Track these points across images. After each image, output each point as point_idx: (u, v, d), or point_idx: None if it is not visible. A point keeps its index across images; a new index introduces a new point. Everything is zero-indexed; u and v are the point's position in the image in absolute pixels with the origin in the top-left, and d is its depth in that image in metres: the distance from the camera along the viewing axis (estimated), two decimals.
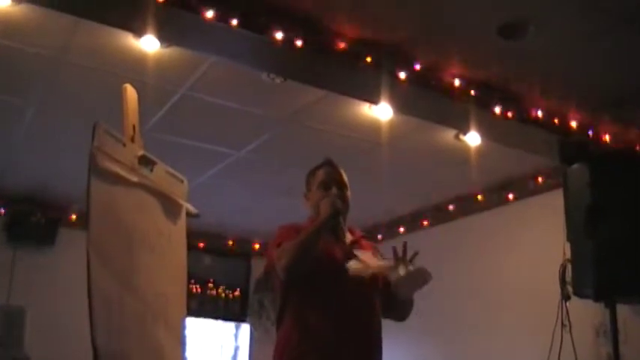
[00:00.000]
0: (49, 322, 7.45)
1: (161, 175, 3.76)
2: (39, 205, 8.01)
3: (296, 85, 5.01)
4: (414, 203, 7.99)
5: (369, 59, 4.54)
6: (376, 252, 3.51)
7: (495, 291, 6.92)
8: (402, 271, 3.16)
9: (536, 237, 6.61)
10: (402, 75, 4.70)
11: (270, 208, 7.87)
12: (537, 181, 6.79)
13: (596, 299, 4.30)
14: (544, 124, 5.39)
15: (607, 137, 5.70)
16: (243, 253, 9.77)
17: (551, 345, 4.76)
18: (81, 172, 3.18)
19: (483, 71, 4.94)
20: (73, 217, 8.12)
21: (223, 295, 9.64)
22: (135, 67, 4.81)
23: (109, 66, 4.92)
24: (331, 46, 4.44)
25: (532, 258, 6.57)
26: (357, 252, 3.35)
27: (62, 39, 4.63)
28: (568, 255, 4.59)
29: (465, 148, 6.10)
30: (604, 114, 5.47)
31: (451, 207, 7.76)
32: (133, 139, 3.52)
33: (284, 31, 4.24)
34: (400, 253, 3.21)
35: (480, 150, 6.08)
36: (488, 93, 5.10)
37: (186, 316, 3.88)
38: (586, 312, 5.05)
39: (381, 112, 5.35)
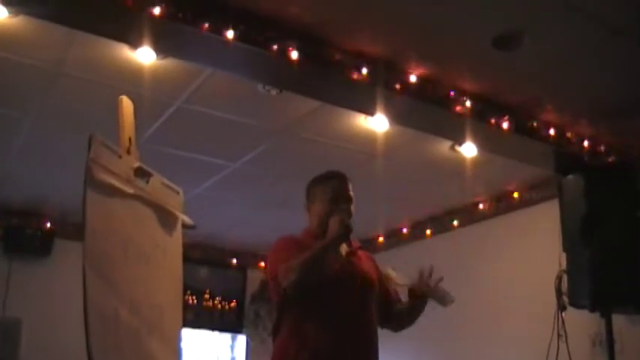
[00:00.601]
0: (44, 333, 7.44)
1: (157, 186, 3.75)
2: (35, 217, 8.01)
3: (292, 97, 5.02)
4: (409, 215, 7.99)
5: (364, 71, 4.55)
6: (374, 263, 3.52)
7: (491, 301, 6.92)
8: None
9: (531, 247, 6.62)
10: (398, 86, 4.71)
11: (266, 220, 7.87)
12: (533, 191, 6.80)
13: (592, 309, 4.30)
14: (539, 135, 5.40)
15: (602, 148, 5.71)
16: (239, 264, 9.76)
17: (547, 355, 4.76)
18: (77, 183, 3.17)
19: (479, 82, 4.95)
20: (69, 228, 8.10)
21: (219, 306, 9.62)
22: (131, 78, 4.81)
23: (105, 78, 4.93)
24: (327, 57, 4.45)
25: (528, 268, 6.57)
26: (389, 270, 3.41)
27: (59, 51, 4.64)
28: (564, 265, 4.60)
29: (461, 159, 6.11)
30: (599, 125, 5.49)
31: (447, 218, 7.77)
32: (129, 151, 3.51)
33: (280, 42, 4.25)
34: (427, 275, 3.39)
35: (475, 161, 6.09)
36: (484, 104, 5.11)
37: (182, 328, 3.88)
38: (582, 322, 5.05)
39: (377, 123, 5.36)
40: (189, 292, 9.03)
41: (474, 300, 7.01)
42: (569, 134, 5.54)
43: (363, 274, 3.39)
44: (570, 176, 4.58)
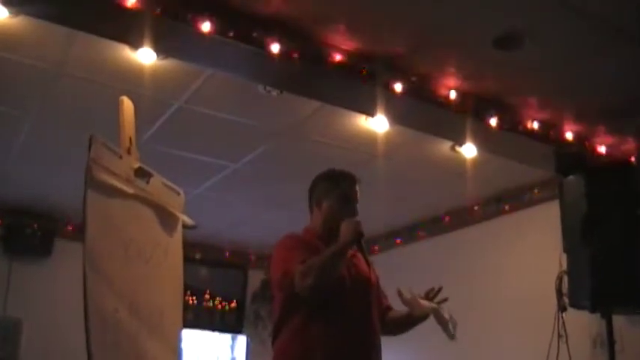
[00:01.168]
0: (45, 333, 7.44)
1: (157, 187, 3.76)
2: (35, 217, 8.01)
3: (292, 98, 5.02)
4: (410, 215, 7.99)
5: (365, 71, 4.55)
6: (371, 266, 3.51)
7: (492, 302, 6.92)
8: (446, 315, 3.53)
9: (532, 248, 6.62)
10: (398, 87, 4.70)
11: (267, 220, 7.88)
12: (533, 192, 6.80)
13: (593, 310, 4.31)
14: (540, 136, 5.40)
15: (602, 148, 5.71)
16: (239, 264, 9.76)
17: (548, 356, 4.76)
18: (77, 184, 3.18)
19: (479, 83, 4.95)
20: (69, 228, 8.11)
21: (219, 306, 9.62)
22: (131, 79, 4.82)
23: (106, 78, 4.93)
24: (327, 58, 4.45)
25: (528, 269, 6.57)
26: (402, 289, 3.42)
27: (59, 51, 4.64)
28: (564, 266, 4.60)
29: (461, 160, 6.11)
30: (599, 125, 5.49)
31: (447, 218, 7.78)
32: (129, 151, 3.52)
33: (280, 43, 4.25)
34: (433, 295, 3.47)
35: (476, 161, 6.09)
36: (484, 105, 5.11)
37: (182, 328, 3.88)
38: (582, 323, 5.05)
39: (377, 124, 5.35)
40: (189, 292, 9.03)
41: (474, 300, 7.01)
42: (569, 135, 5.54)
43: (365, 277, 3.38)
44: (571, 177, 4.58)
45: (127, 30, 4.05)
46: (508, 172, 6.43)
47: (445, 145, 5.96)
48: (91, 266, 2.98)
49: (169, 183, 3.91)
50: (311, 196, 3.50)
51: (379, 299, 3.52)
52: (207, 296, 9.50)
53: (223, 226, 8.43)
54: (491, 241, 7.22)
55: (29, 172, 6.89)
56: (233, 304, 9.72)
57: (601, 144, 5.71)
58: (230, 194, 7.40)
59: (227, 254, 9.62)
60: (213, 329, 9.58)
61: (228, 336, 9.73)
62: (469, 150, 5.80)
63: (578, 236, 4.35)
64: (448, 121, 5.12)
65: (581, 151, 5.59)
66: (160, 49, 4.39)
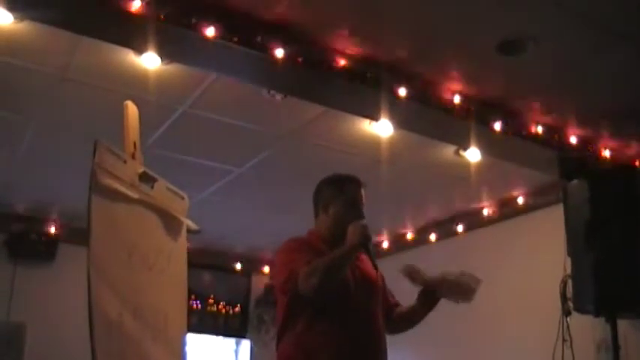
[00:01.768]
0: (48, 338, 7.44)
1: (162, 191, 3.76)
2: (39, 222, 8.02)
3: (296, 102, 5.02)
4: (414, 220, 7.99)
5: (369, 76, 4.55)
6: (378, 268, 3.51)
7: (496, 306, 6.90)
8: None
9: (536, 252, 6.61)
10: (402, 92, 4.71)
11: (271, 225, 7.87)
12: (537, 196, 6.79)
13: (597, 314, 4.30)
14: (544, 140, 5.40)
15: (606, 153, 5.71)
16: (243, 269, 9.76)
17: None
18: (81, 188, 3.18)
19: (483, 87, 4.96)
20: (74, 233, 8.11)
21: (223, 311, 9.62)
22: (136, 83, 4.82)
23: (110, 83, 4.94)
24: (331, 63, 4.46)
25: (533, 273, 6.56)
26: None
27: (64, 56, 4.64)
28: (569, 270, 4.60)
29: (465, 164, 6.10)
30: (603, 130, 5.49)
31: (451, 223, 7.77)
32: (133, 156, 3.53)
33: (284, 48, 4.25)
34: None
35: (480, 166, 6.09)
36: (488, 109, 5.11)
37: (186, 333, 3.88)
38: (587, 327, 5.05)
39: (382, 128, 5.36)
40: (193, 296, 9.03)
41: (479, 304, 6.98)
42: (573, 139, 5.54)
43: (371, 280, 3.37)
44: (575, 181, 4.58)
45: (132, 35, 4.06)
46: (512, 176, 6.43)
47: (449, 150, 5.96)
48: (95, 271, 2.98)
49: (173, 187, 3.91)
50: (316, 201, 3.49)
51: (386, 301, 3.52)
52: (211, 301, 9.50)
53: (227, 230, 8.43)
54: (494, 245, 7.21)
55: (33, 176, 6.89)
56: (237, 309, 9.72)
57: (605, 148, 5.71)
58: (234, 199, 7.40)
59: (231, 259, 9.62)
60: (217, 334, 9.58)
61: (232, 340, 9.74)
62: (473, 154, 5.79)
63: (582, 240, 4.35)
64: (452, 126, 5.13)
65: (584, 156, 5.58)
66: (165, 54, 4.39)
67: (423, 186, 6.85)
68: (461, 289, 3.42)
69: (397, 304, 3.60)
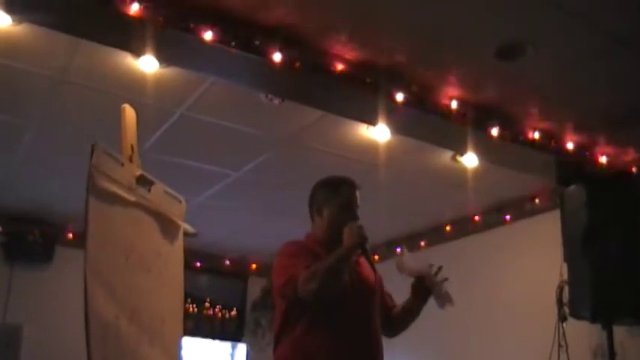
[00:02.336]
0: (45, 340, 7.44)
1: (159, 194, 3.76)
2: (37, 224, 8.01)
3: (294, 106, 5.02)
4: (411, 224, 7.99)
5: (367, 81, 4.56)
6: (372, 265, 3.50)
7: (492, 312, 6.92)
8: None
9: (533, 258, 6.62)
10: (400, 97, 4.71)
11: (268, 228, 7.88)
12: (534, 202, 6.81)
13: (593, 320, 4.30)
14: (541, 146, 5.41)
15: (603, 159, 5.71)
16: (239, 272, 9.76)
17: None
18: (79, 191, 3.19)
19: (480, 93, 4.96)
20: (70, 235, 8.12)
21: (220, 314, 9.62)
22: (134, 87, 4.82)
23: (108, 86, 4.94)
24: (329, 67, 4.46)
25: (529, 279, 6.57)
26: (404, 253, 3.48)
27: (62, 59, 4.64)
28: (565, 276, 4.60)
29: (462, 170, 6.11)
30: (601, 136, 5.50)
31: (448, 228, 7.78)
32: (131, 159, 3.53)
33: (282, 52, 4.26)
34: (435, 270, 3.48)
35: (476, 171, 6.09)
36: (486, 114, 5.11)
37: (182, 336, 3.88)
38: (583, 333, 5.05)
39: (379, 133, 5.36)
40: (189, 300, 9.02)
41: (475, 310, 7.00)
42: (570, 145, 5.54)
43: (368, 283, 3.36)
44: (572, 187, 4.59)
45: (130, 38, 4.06)
46: (509, 181, 6.43)
47: (446, 155, 5.96)
48: (92, 273, 2.98)
49: (171, 191, 3.91)
50: (311, 203, 3.48)
51: (383, 302, 3.52)
52: (207, 304, 9.50)
53: (224, 234, 8.43)
54: (491, 251, 7.22)
55: (31, 178, 6.89)
56: (233, 313, 9.72)
57: (602, 154, 5.71)
58: (231, 202, 7.40)
59: (227, 262, 9.62)
60: (214, 337, 9.57)
61: (228, 344, 9.72)
62: (470, 160, 5.80)
63: (578, 246, 4.35)
64: (449, 131, 5.13)
65: (582, 161, 5.59)
66: (163, 58, 4.39)
67: (419, 191, 6.85)
68: (441, 292, 3.45)
69: (395, 306, 3.60)
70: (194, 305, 9.27)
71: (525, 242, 6.83)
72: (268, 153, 6.12)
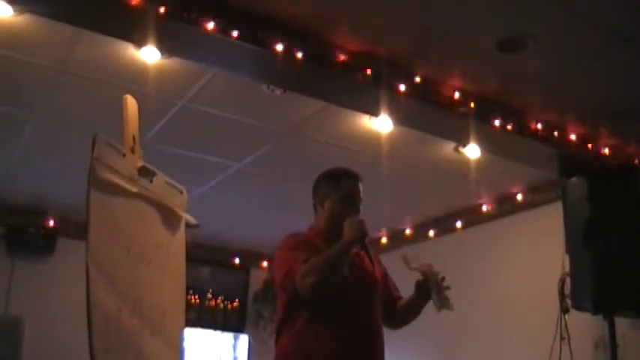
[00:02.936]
0: (47, 332, 7.46)
1: (161, 186, 3.75)
2: (38, 215, 8.03)
3: (296, 97, 5.02)
4: (413, 216, 7.99)
5: (369, 72, 4.55)
6: (376, 257, 3.50)
7: (495, 303, 6.92)
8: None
9: (535, 250, 6.62)
10: (402, 88, 4.71)
11: (270, 220, 7.88)
12: (536, 194, 6.80)
13: (595, 312, 4.30)
14: (543, 138, 5.40)
15: (606, 150, 5.71)
16: (241, 264, 9.76)
17: (550, 357, 4.76)
18: (80, 182, 3.18)
19: (483, 84, 4.95)
20: (72, 227, 8.11)
21: (222, 306, 9.64)
22: (135, 78, 4.82)
23: (110, 77, 4.94)
24: (331, 58, 4.45)
25: (531, 271, 6.57)
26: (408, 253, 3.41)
27: (63, 50, 4.64)
28: (567, 268, 4.59)
29: (465, 161, 6.11)
30: (603, 127, 5.49)
31: (450, 219, 7.77)
32: (132, 150, 3.52)
33: (284, 43, 4.25)
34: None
35: (479, 162, 6.09)
36: (488, 106, 5.11)
37: (184, 327, 3.88)
38: (585, 325, 5.04)
39: (381, 124, 5.36)
40: (191, 291, 9.04)
41: (477, 302, 7.00)
42: (572, 137, 5.54)
43: (369, 277, 3.35)
44: (574, 179, 4.57)
45: (131, 28, 4.06)
46: (511, 173, 6.43)
47: (449, 146, 5.96)
48: (93, 265, 2.98)
49: (173, 182, 3.90)
50: (314, 195, 3.47)
51: (389, 295, 3.50)
52: (209, 296, 9.51)
53: (226, 225, 8.43)
54: (493, 243, 7.22)
55: (33, 170, 6.89)
56: (235, 304, 9.73)
57: (604, 146, 5.70)
58: (233, 194, 7.40)
59: (229, 254, 9.62)
60: (216, 329, 9.59)
61: (230, 335, 9.74)
62: (472, 151, 5.80)
63: (580, 238, 4.34)
64: (452, 123, 5.13)
65: (584, 153, 5.58)
66: (164, 48, 4.39)
67: (422, 182, 6.85)
68: (441, 295, 3.40)
69: (400, 298, 3.58)
70: (196, 296, 9.29)
71: (527, 234, 6.83)
72: (270, 144, 6.12)
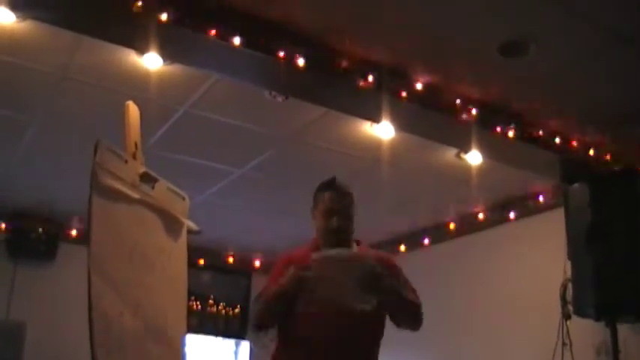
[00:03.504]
0: (48, 337, 7.45)
1: (162, 192, 3.76)
2: (40, 221, 8.02)
3: (298, 104, 5.02)
4: (415, 221, 7.98)
5: (370, 78, 4.56)
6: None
7: (496, 309, 6.91)
8: None
9: (537, 256, 6.61)
10: (404, 94, 4.71)
11: (271, 226, 7.88)
12: (538, 200, 6.79)
13: (597, 318, 4.30)
14: (545, 143, 5.40)
15: (608, 156, 5.70)
16: (243, 270, 9.75)
17: None
18: (82, 188, 3.18)
19: (485, 90, 4.96)
20: (74, 232, 8.13)
21: (223, 312, 9.62)
22: (137, 84, 4.83)
23: (112, 83, 4.94)
24: (333, 64, 4.46)
25: (533, 277, 6.56)
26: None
27: (65, 56, 4.65)
28: (569, 273, 4.59)
29: (466, 167, 6.10)
30: (605, 133, 5.49)
31: (452, 225, 7.77)
32: (134, 156, 3.52)
33: (286, 49, 4.26)
34: None
35: (481, 169, 6.09)
36: (490, 112, 5.11)
37: (186, 333, 3.88)
38: (587, 331, 5.04)
39: (383, 130, 5.36)
40: (193, 297, 9.03)
41: (479, 307, 7.01)
42: (574, 142, 5.54)
43: (344, 314, 3.16)
44: (576, 185, 4.58)
45: (134, 35, 4.06)
46: (513, 179, 6.42)
47: (450, 153, 5.96)
48: (95, 271, 2.98)
49: (174, 188, 3.91)
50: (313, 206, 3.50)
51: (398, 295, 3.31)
52: (211, 302, 9.50)
53: (228, 231, 8.43)
54: (495, 249, 7.21)
55: (34, 175, 6.90)
56: (237, 310, 9.72)
57: (606, 152, 5.70)
58: (235, 200, 7.40)
59: (231, 260, 9.61)
60: (217, 334, 9.58)
61: (231, 341, 9.73)
62: (474, 157, 5.80)
63: (582, 244, 4.35)
64: (453, 128, 5.13)
65: (586, 159, 5.58)
66: (166, 54, 4.40)
67: (423, 188, 6.84)
68: None
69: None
70: (198, 302, 9.28)
71: (529, 240, 6.82)
72: (272, 150, 6.12)
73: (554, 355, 4.86)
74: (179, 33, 4.00)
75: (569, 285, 4.70)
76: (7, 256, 7.90)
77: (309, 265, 3.10)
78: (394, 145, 5.75)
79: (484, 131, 5.14)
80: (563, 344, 4.98)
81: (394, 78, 4.66)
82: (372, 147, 5.86)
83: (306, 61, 4.33)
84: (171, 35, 4.02)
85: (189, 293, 4.07)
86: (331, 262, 3.13)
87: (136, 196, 3.46)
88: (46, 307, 7.75)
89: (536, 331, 5.92)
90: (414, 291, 3.40)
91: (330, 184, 3.40)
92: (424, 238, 8.11)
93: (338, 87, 4.59)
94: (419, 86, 4.77)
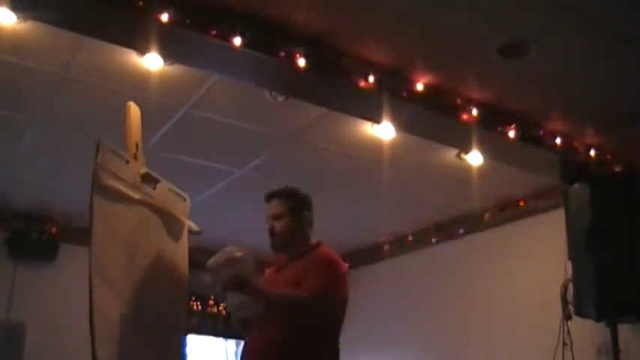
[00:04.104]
0: (49, 337, 7.45)
1: (164, 192, 3.76)
2: (40, 221, 8.01)
3: (298, 104, 5.02)
4: (415, 222, 7.98)
5: (371, 78, 4.55)
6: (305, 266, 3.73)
7: (497, 310, 6.91)
8: None
9: (537, 256, 6.61)
10: (405, 94, 4.71)
11: None
12: (539, 200, 6.79)
13: (598, 319, 4.30)
14: (545, 144, 5.40)
15: (608, 157, 5.70)
16: None
17: None
18: (83, 188, 3.18)
19: (485, 90, 4.95)
20: (75, 233, 8.11)
21: (224, 312, 9.61)
22: (138, 84, 4.82)
23: (113, 83, 4.94)
24: (334, 65, 4.45)
25: (534, 277, 6.56)
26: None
27: (66, 56, 4.65)
28: (569, 274, 4.60)
29: (467, 168, 6.10)
30: (605, 134, 5.49)
31: (453, 226, 7.76)
32: (135, 157, 3.52)
33: (287, 49, 4.25)
34: None
35: (481, 169, 6.09)
36: (490, 112, 5.11)
37: (186, 334, 3.88)
38: (587, 331, 5.05)
39: (383, 131, 5.36)
40: (193, 298, 9.03)
41: (479, 307, 7.00)
42: (575, 143, 5.53)
43: None
44: (576, 185, 4.59)
45: (134, 35, 4.06)
46: (514, 179, 6.42)
47: (451, 153, 5.96)
48: (96, 271, 2.98)
49: (175, 188, 3.91)
50: None
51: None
52: (211, 302, 9.49)
53: (228, 231, 8.41)
54: (496, 249, 7.21)
55: (35, 176, 6.89)
56: None
57: (607, 153, 5.70)
58: (235, 200, 7.39)
59: None
60: (218, 335, 9.56)
61: (232, 342, 9.72)
62: (475, 158, 5.80)
63: (583, 244, 4.35)
64: (454, 129, 5.13)
65: (586, 160, 5.58)
66: (167, 55, 4.40)
67: (424, 189, 6.84)
68: None
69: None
70: (198, 303, 9.27)
71: (530, 240, 6.83)
72: (272, 151, 6.12)
73: (554, 355, 4.86)
74: (180, 33, 3.99)
75: (570, 285, 4.71)
76: (8, 257, 7.88)
77: None
78: (395, 145, 5.75)
79: (485, 132, 5.14)
80: (564, 344, 4.99)
81: (395, 78, 4.66)
82: (373, 147, 5.86)
83: (307, 62, 4.33)
84: (172, 35, 4.02)
85: (190, 293, 4.08)
86: None
87: (137, 196, 3.46)
88: (46, 308, 7.74)
89: (537, 331, 5.92)
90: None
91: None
92: (425, 239, 8.10)
93: (339, 87, 4.58)
94: (420, 87, 4.77)
